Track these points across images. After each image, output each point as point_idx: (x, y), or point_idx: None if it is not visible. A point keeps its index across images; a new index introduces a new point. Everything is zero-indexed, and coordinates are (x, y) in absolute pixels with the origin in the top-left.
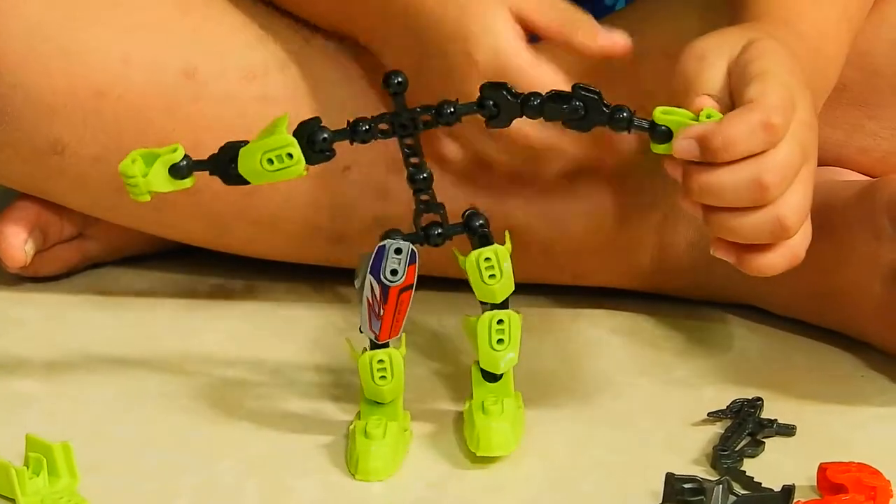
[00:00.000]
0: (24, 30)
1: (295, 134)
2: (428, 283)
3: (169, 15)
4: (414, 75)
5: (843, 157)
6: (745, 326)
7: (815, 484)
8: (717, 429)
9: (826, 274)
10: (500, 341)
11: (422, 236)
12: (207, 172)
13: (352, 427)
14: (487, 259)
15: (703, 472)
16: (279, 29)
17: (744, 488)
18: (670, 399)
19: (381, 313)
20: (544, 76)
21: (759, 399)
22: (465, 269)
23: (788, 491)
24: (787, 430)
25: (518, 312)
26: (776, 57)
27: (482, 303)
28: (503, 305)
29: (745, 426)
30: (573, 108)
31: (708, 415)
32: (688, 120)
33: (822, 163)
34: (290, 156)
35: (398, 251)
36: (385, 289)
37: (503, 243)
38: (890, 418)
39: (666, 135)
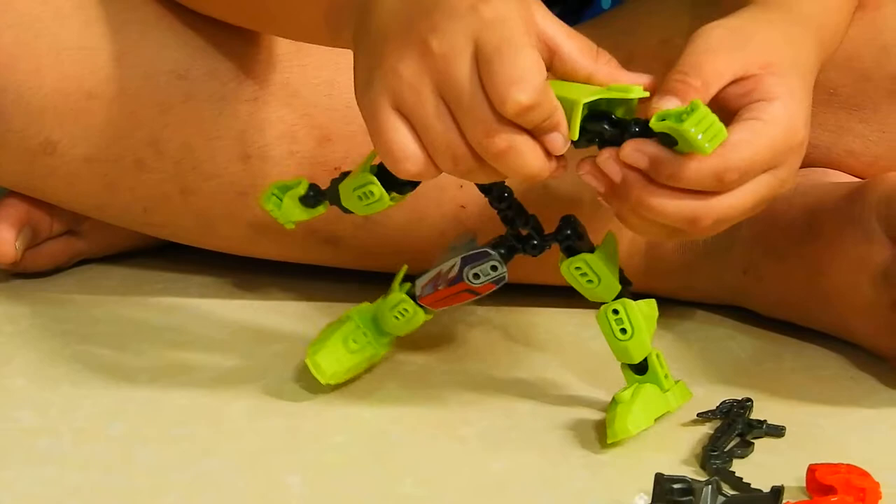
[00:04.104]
0: (15, 25)
1: (380, 169)
2: None
3: (161, 14)
4: None
5: (832, 160)
6: (735, 327)
7: (805, 485)
8: (707, 429)
9: (816, 275)
10: (622, 331)
11: (519, 248)
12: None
13: (331, 323)
14: (578, 268)
15: (693, 473)
16: None
17: (733, 489)
18: None
19: (438, 288)
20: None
21: (749, 400)
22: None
23: (777, 492)
24: (777, 431)
25: (637, 301)
26: (781, 106)
27: None
28: (620, 297)
29: (734, 427)
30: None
31: (697, 415)
32: (674, 122)
33: (810, 164)
34: (372, 193)
35: (494, 268)
36: (458, 279)
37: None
38: (879, 420)
39: (671, 141)
